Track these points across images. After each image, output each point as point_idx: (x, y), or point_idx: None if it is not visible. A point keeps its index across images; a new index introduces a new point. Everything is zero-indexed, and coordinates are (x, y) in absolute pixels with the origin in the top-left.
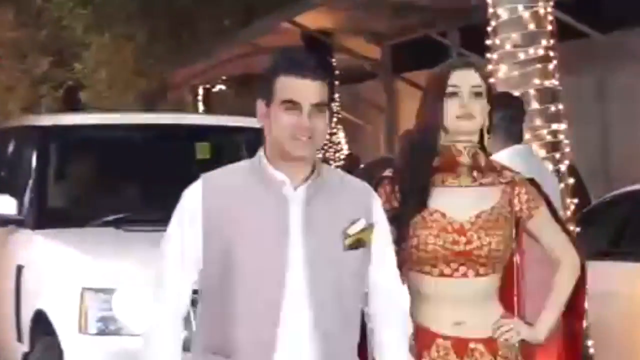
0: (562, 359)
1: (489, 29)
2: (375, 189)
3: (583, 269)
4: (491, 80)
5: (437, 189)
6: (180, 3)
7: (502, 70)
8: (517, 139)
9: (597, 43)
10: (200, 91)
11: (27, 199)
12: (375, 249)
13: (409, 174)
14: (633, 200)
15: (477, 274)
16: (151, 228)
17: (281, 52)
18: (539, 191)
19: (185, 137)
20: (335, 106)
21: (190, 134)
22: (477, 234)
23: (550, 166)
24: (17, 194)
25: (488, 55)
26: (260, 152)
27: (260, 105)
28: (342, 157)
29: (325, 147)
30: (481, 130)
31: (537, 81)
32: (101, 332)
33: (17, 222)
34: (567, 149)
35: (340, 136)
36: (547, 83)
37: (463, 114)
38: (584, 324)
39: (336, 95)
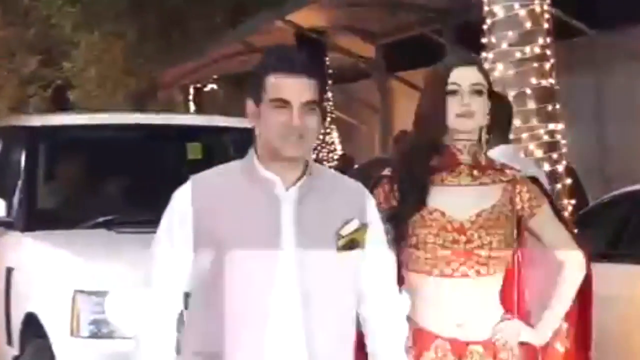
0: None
1: (485, 27)
2: (374, 188)
3: (588, 267)
4: None
5: (437, 187)
6: (171, 1)
7: (498, 69)
8: (504, 139)
9: (594, 41)
10: (191, 91)
11: (16, 200)
12: (370, 250)
13: (407, 173)
14: (631, 201)
15: (478, 274)
16: (143, 229)
17: (271, 50)
18: (541, 189)
19: (176, 137)
20: (328, 106)
21: (182, 135)
22: (478, 233)
23: (547, 167)
24: (6, 196)
25: (484, 54)
26: (251, 152)
27: (249, 104)
28: (335, 157)
29: (319, 148)
30: (480, 129)
31: (533, 80)
32: (93, 335)
33: (6, 224)
34: (565, 150)
35: (334, 136)
36: (543, 82)
37: (463, 112)
38: None
39: (329, 95)
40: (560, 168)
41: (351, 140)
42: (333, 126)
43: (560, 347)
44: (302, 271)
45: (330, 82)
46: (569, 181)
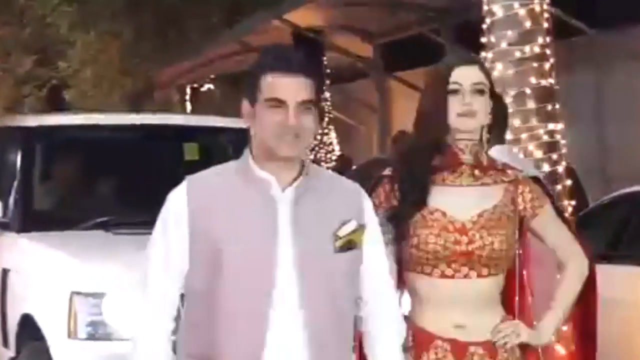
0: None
1: (484, 26)
2: (375, 188)
3: (591, 268)
4: None
5: (438, 187)
6: (167, 1)
7: (498, 68)
8: (500, 139)
9: (594, 41)
10: (188, 90)
11: (11, 201)
12: (367, 251)
13: (408, 172)
14: (631, 203)
15: (479, 275)
16: (140, 231)
17: (268, 49)
18: (543, 190)
19: (173, 137)
20: (326, 106)
21: (178, 135)
22: (479, 234)
23: (546, 167)
24: (2, 197)
25: (483, 53)
26: (246, 152)
27: (244, 104)
28: (333, 158)
29: (317, 148)
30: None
31: (533, 80)
32: (91, 337)
33: (1, 225)
34: (564, 150)
35: (332, 136)
36: (543, 82)
37: (464, 112)
38: None
39: (327, 95)
40: (560, 169)
41: (349, 140)
42: (331, 126)
43: (561, 349)
44: (299, 272)
45: (327, 82)
46: (569, 182)
